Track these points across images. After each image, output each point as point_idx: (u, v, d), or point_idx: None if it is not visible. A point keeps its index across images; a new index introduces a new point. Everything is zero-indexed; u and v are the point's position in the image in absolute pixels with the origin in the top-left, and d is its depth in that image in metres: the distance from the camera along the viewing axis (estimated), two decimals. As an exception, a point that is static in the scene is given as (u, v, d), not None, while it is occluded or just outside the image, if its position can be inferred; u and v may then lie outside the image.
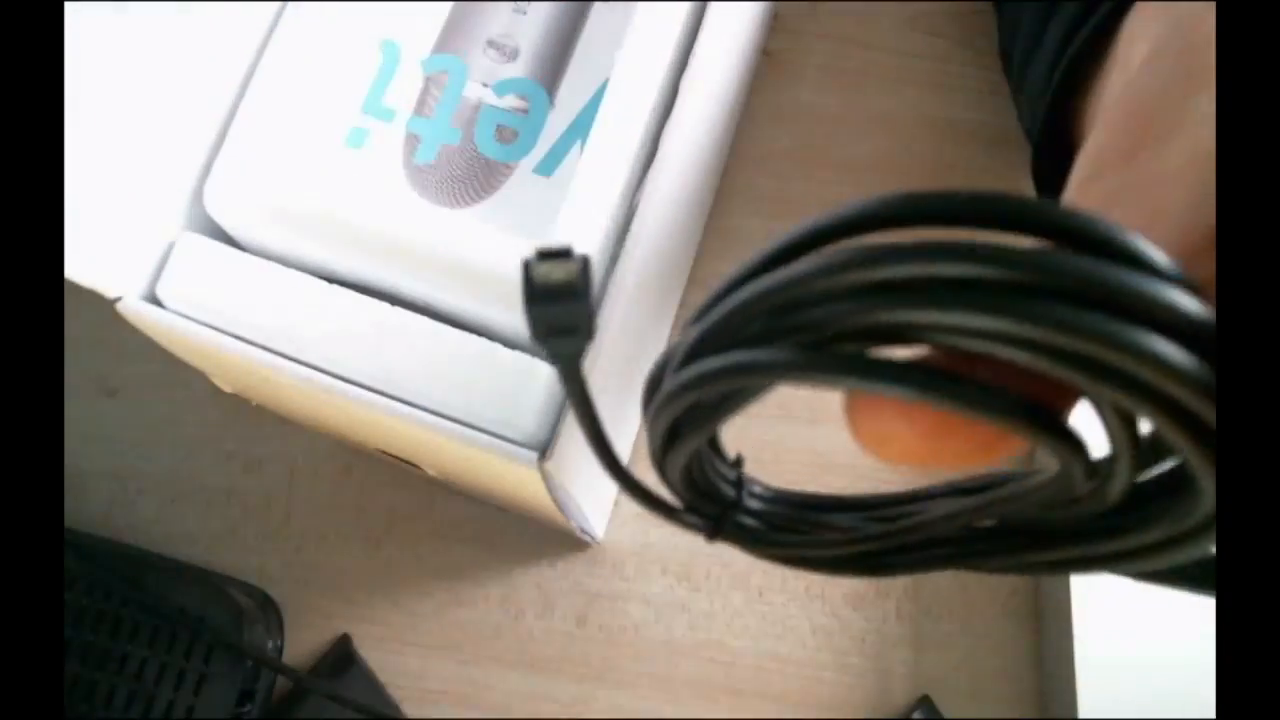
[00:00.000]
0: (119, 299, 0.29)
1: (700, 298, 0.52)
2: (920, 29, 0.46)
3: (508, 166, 0.31)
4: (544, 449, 0.28)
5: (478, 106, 0.32)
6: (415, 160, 0.31)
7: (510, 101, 0.32)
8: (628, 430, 0.41)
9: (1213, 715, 0.36)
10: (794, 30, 0.46)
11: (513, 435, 0.28)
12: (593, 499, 0.37)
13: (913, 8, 0.46)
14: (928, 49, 0.46)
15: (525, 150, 0.31)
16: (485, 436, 0.28)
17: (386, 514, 0.42)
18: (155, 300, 0.30)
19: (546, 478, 0.29)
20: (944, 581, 0.40)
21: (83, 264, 0.28)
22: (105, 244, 0.29)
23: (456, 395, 0.28)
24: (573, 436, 0.29)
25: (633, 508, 0.41)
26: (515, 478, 0.30)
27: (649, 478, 0.20)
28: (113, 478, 0.44)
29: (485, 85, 0.32)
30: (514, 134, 0.31)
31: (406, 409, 0.28)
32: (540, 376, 0.29)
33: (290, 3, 0.32)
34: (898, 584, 0.40)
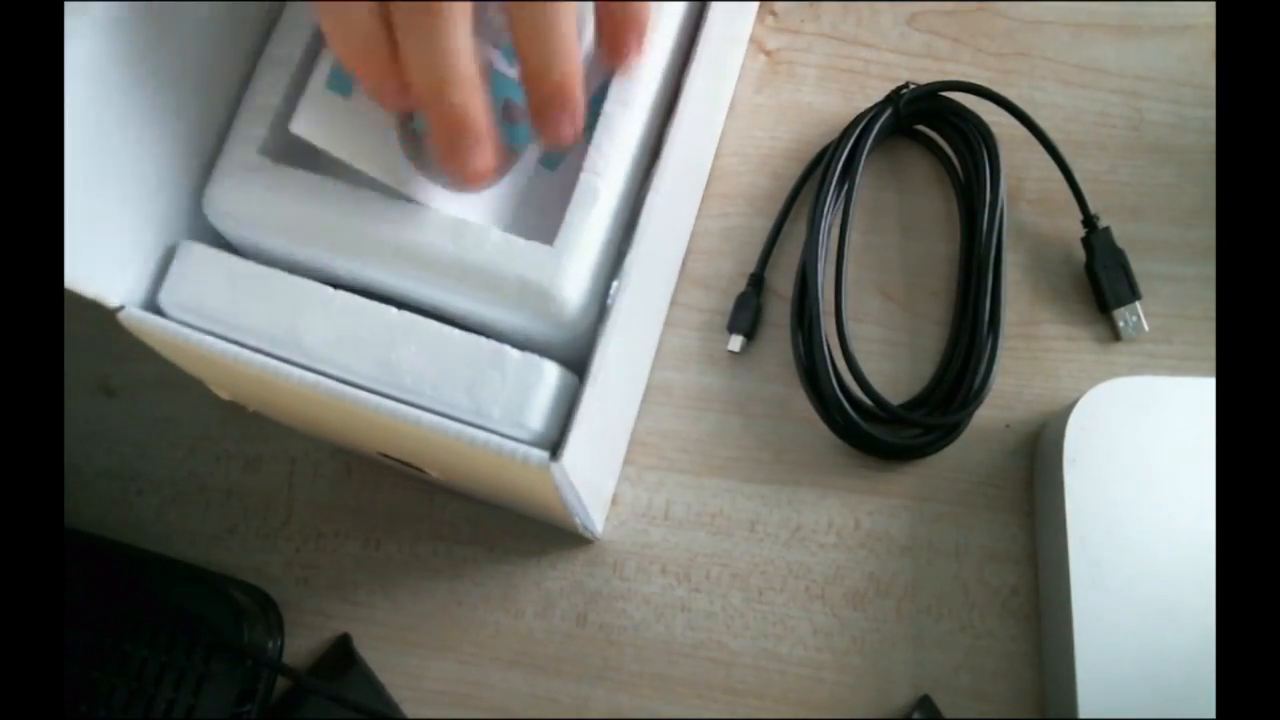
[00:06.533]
0: (121, 308, 0.29)
1: (696, 297, 0.51)
2: (920, 29, 0.46)
3: (515, 151, 0.31)
4: (554, 449, 0.28)
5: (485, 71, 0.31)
6: (414, 124, 0.30)
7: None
8: (627, 428, 0.41)
9: (1213, 715, 0.36)
10: (794, 30, 0.46)
11: (522, 436, 0.28)
12: (595, 496, 0.37)
13: (913, 8, 0.46)
14: (928, 49, 0.46)
15: (532, 136, 0.31)
16: (495, 438, 0.28)
17: (386, 514, 0.42)
18: (156, 308, 0.30)
19: (556, 478, 0.29)
20: (944, 581, 0.40)
21: (84, 273, 0.28)
22: (106, 252, 0.29)
23: (464, 397, 0.28)
24: (581, 435, 0.29)
25: (633, 508, 0.41)
26: (524, 478, 0.29)
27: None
28: (113, 478, 0.44)
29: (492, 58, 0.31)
30: (523, 113, 0.31)
31: (415, 413, 0.28)
32: (549, 376, 0.28)
33: (290, 2, 0.32)
34: (898, 584, 0.40)
